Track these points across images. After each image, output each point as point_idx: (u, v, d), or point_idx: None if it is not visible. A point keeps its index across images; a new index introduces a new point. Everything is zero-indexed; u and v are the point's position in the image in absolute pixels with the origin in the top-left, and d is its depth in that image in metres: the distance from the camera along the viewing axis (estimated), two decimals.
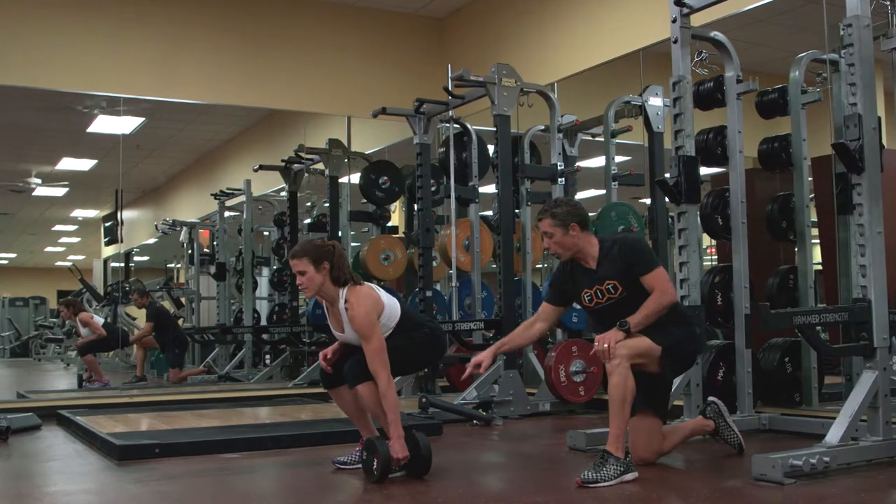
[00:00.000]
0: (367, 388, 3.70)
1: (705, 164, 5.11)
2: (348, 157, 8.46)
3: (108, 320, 9.08)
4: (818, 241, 5.97)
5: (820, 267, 6.01)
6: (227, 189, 9.44)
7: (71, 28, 7.53)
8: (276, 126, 9.27)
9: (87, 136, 8.66)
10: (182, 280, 10.36)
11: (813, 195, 5.50)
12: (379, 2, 8.64)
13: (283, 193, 8.99)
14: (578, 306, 4.11)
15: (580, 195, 7.34)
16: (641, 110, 6.71)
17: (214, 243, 9.72)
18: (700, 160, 4.88)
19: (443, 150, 7.35)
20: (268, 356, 9.39)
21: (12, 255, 12.49)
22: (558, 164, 6.65)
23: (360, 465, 3.83)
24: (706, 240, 5.98)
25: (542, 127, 7.13)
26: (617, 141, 7.03)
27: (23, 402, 6.77)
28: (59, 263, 12.57)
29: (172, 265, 10.76)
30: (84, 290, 9.94)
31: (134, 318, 10.03)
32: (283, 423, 5.60)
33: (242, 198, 9.38)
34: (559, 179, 6.63)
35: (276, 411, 6.26)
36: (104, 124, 8.36)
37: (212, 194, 9.46)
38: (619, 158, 7.05)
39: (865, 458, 3.71)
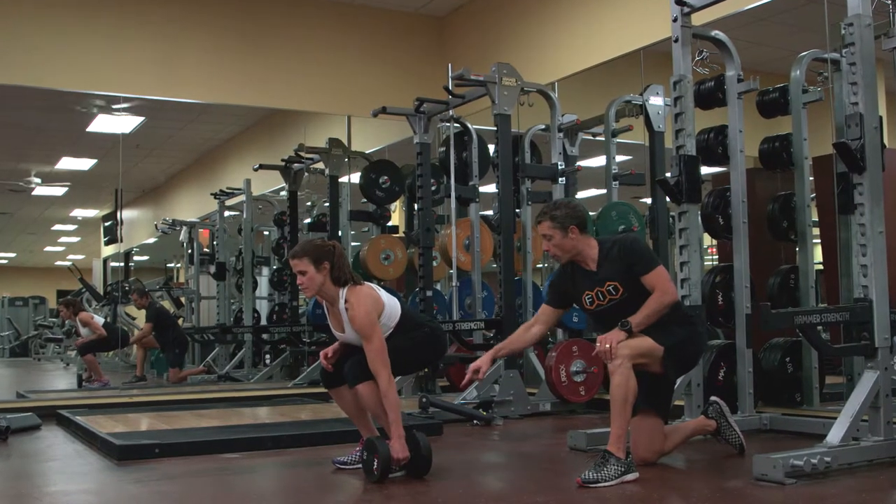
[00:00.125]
0: (368, 388, 3.69)
1: (706, 163, 5.10)
2: (348, 157, 8.45)
3: (108, 320, 9.07)
4: (819, 240, 5.96)
5: (821, 267, 6.00)
6: (227, 188, 9.43)
7: (70, 27, 7.52)
8: (276, 125, 9.26)
9: (87, 135, 8.66)
10: (182, 280, 10.35)
11: (814, 195, 5.49)
12: (379, 1, 8.63)
13: (283, 193, 8.98)
14: (578, 307, 4.09)
15: (581, 195, 7.33)
16: (642, 109, 6.71)
17: (214, 243, 9.71)
18: (701, 159, 4.87)
19: (443, 149, 7.35)
20: (268, 356, 9.38)
21: (12, 255, 12.48)
22: (559, 163, 6.65)
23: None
24: (707, 239, 5.97)
25: (543, 126, 7.13)
26: (618, 140, 7.02)
27: (22, 401, 6.76)
28: (58, 263, 12.56)
29: (172, 265, 10.75)
30: (84, 289, 9.93)
31: (134, 318, 10.02)
32: (282, 422, 5.60)
33: (242, 197, 9.37)
34: (560, 179, 6.63)
35: (276, 411, 6.26)
36: (104, 124, 8.36)
37: (212, 194, 9.45)
38: (619, 158, 7.04)
39: (867, 458, 3.70)
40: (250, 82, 8.17)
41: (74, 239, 12.19)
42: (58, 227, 11.73)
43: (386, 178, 8.13)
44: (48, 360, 11.85)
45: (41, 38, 7.31)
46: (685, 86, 4.76)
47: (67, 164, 9.45)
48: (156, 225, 9.76)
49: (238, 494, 3.61)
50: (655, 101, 6.67)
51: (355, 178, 8.35)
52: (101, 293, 9.94)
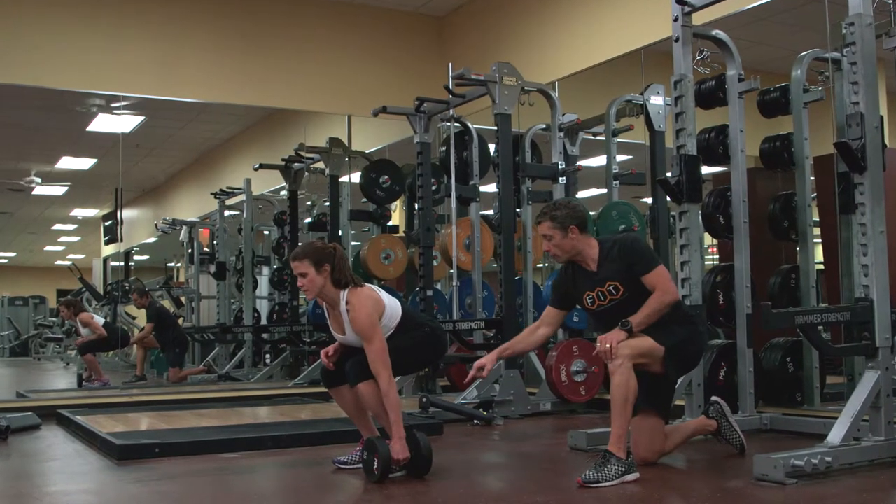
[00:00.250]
0: (369, 387, 3.70)
1: (707, 162, 5.10)
2: (349, 156, 8.44)
3: (108, 319, 9.06)
4: (820, 240, 5.96)
5: (822, 266, 6.00)
6: (228, 188, 9.43)
7: (70, 27, 7.51)
8: (276, 125, 9.25)
9: (87, 134, 8.65)
10: (182, 279, 10.35)
11: (815, 194, 5.48)
12: (379, 0, 8.62)
13: (284, 192, 8.97)
14: (580, 307, 4.09)
15: (581, 194, 7.33)
16: (643, 109, 6.70)
17: (214, 242, 9.71)
18: (702, 159, 4.87)
19: (443, 148, 7.34)
20: (268, 355, 9.38)
21: (12, 255, 12.48)
22: (559, 162, 6.64)
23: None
24: (708, 239, 5.97)
25: (544, 126, 7.12)
26: (618, 140, 7.02)
27: (22, 401, 6.76)
28: (58, 262, 12.56)
29: (172, 264, 10.75)
30: (84, 289, 9.93)
31: (134, 318, 10.02)
32: (282, 422, 5.60)
33: (242, 197, 9.37)
34: (560, 178, 6.63)
35: (276, 411, 6.25)
36: (104, 123, 8.35)
37: (212, 193, 9.45)
38: (620, 157, 7.04)
39: (867, 458, 3.69)
40: (250, 82, 8.17)
41: (74, 238, 12.19)
42: (58, 226, 11.73)
43: (386, 177, 8.12)
44: (48, 360, 11.85)
45: (41, 37, 7.30)
46: (686, 85, 4.75)
47: (67, 163, 9.44)
48: (156, 224, 9.76)
49: (238, 494, 3.61)
50: (656, 100, 6.66)
51: (356, 177, 8.35)
52: (102, 293, 9.94)
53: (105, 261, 10.24)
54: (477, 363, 3.89)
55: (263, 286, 9.97)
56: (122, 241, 9.06)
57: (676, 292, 3.83)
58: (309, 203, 9.50)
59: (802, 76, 5.23)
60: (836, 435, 3.67)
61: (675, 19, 4.74)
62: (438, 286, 8.00)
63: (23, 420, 5.49)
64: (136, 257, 10.34)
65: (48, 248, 12.76)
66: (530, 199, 6.96)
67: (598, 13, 7.37)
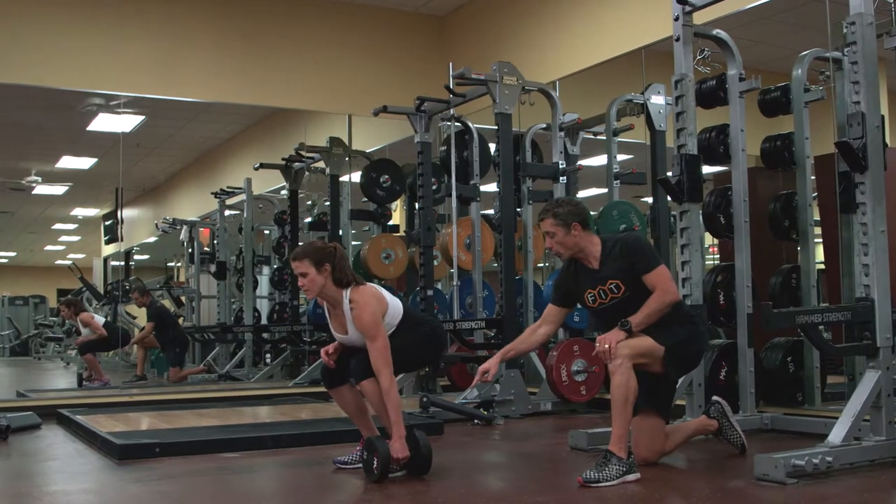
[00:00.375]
0: (373, 385, 3.71)
1: (708, 162, 5.09)
2: (349, 156, 8.44)
3: (109, 319, 9.06)
4: (821, 240, 5.95)
5: (823, 266, 6.00)
6: (228, 187, 9.43)
7: (71, 26, 7.51)
8: (276, 124, 9.25)
9: (87, 134, 8.65)
10: (182, 279, 10.35)
11: (816, 194, 5.47)
12: (380, 0, 8.62)
13: (284, 192, 8.97)
14: (581, 306, 4.09)
15: (582, 194, 7.32)
16: (643, 108, 6.69)
17: (215, 242, 9.71)
18: (702, 158, 4.86)
19: (444, 148, 7.34)
20: (268, 355, 9.37)
21: (12, 254, 12.47)
22: (560, 162, 6.64)
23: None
24: (708, 238, 5.96)
25: (544, 125, 7.12)
26: (619, 139, 7.01)
27: (23, 400, 6.76)
28: (59, 262, 12.56)
29: (173, 264, 10.75)
30: (84, 288, 9.94)
31: (134, 317, 10.02)
32: (283, 422, 5.60)
33: (243, 196, 9.36)
34: (561, 178, 6.62)
35: (277, 410, 6.25)
36: (104, 122, 8.34)
37: (212, 193, 9.44)
38: (620, 157, 7.03)
39: (868, 458, 3.69)
40: (251, 81, 8.16)
41: (75, 238, 12.19)
42: (58, 226, 11.73)
43: (387, 177, 8.12)
44: (48, 360, 11.85)
45: (42, 37, 7.30)
46: (687, 85, 4.75)
47: (68, 163, 9.45)
48: (156, 224, 9.76)
49: (238, 494, 3.61)
50: (657, 99, 6.66)
51: (356, 177, 8.34)
52: (102, 292, 9.94)
53: (105, 260, 10.24)
54: (482, 367, 3.90)
55: (264, 286, 9.97)
56: (122, 240, 9.06)
57: (677, 292, 3.83)
58: (309, 203, 9.50)
59: (803, 75, 5.23)
60: (836, 435, 3.66)
61: (676, 19, 4.74)
62: (439, 286, 8.00)
63: (23, 419, 5.48)
64: (136, 257, 10.34)
65: (48, 247, 12.76)
66: (531, 199, 6.96)
67: (598, 13, 7.37)
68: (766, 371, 5.17)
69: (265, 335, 9.14)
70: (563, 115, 6.81)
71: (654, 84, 6.66)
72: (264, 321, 9.60)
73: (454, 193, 6.93)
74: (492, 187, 6.96)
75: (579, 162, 7.10)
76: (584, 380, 6.01)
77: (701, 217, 4.91)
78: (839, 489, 3.38)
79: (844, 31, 3.95)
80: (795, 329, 4.61)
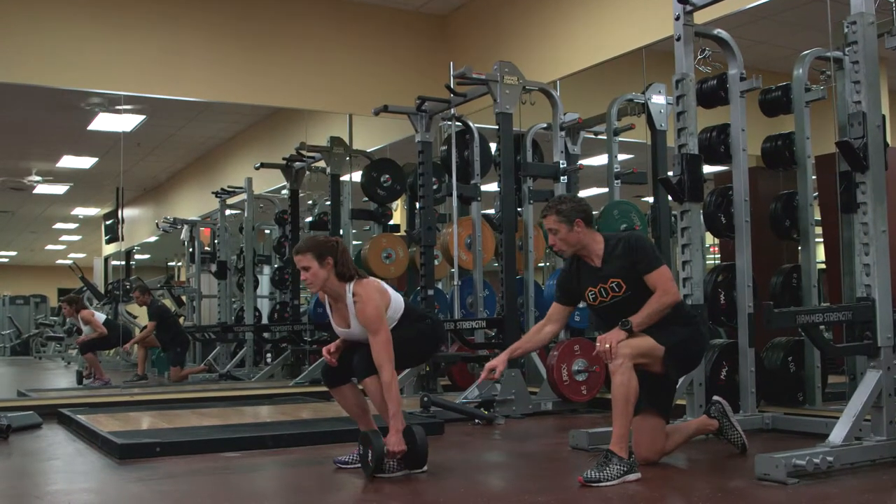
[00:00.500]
0: (375, 382, 3.72)
1: (708, 162, 5.09)
2: (350, 155, 8.44)
3: (110, 317, 9.06)
4: (822, 239, 5.95)
5: (823, 266, 5.99)
6: (229, 187, 9.43)
7: (72, 26, 7.51)
8: (277, 124, 9.25)
9: (88, 133, 8.65)
10: (183, 278, 10.35)
11: (816, 193, 5.47)
12: None
13: (285, 191, 8.97)
14: (583, 304, 4.09)
15: (582, 193, 7.31)
16: (644, 108, 6.69)
17: (215, 241, 9.71)
18: (703, 158, 4.86)
19: (445, 147, 7.34)
20: (269, 355, 9.38)
21: (13, 254, 12.49)
22: (561, 162, 6.64)
23: (360, 464, 3.83)
24: (709, 238, 5.96)
25: (545, 125, 7.12)
26: (619, 139, 7.01)
27: (23, 400, 6.76)
28: (59, 261, 12.57)
29: (173, 263, 10.76)
30: (85, 288, 9.94)
31: (135, 317, 10.02)
32: (283, 421, 5.60)
33: (243, 196, 9.37)
34: (561, 177, 6.62)
35: (277, 410, 6.25)
36: (105, 122, 8.35)
37: (213, 192, 9.45)
38: (621, 156, 7.03)
39: (869, 457, 3.69)
40: (252, 81, 8.16)
41: (75, 237, 12.20)
42: (59, 225, 11.74)
43: (387, 176, 8.12)
44: (49, 359, 11.86)
45: (42, 36, 7.30)
46: (687, 84, 4.75)
47: (68, 162, 9.45)
48: (157, 223, 9.76)
49: (239, 493, 3.61)
50: (657, 99, 6.65)
51: (357, 176, 8.34)
52: (103, 292, 9.95)
53: (106, 260, 10.25)
54: (488, 365, 3.89)
55: (264, 285, 9.98)
56: (123, 240, 9.06)
57: (678, 293, 3.82)
58: (310, 202, 9.50)
59: (804, 75, 5.22)
60: (837, 434, 3.66)
61: (677, 18, 4.74)
62: (439, 285, 8.00)
63: (24, 419, 5.48)
64: (137, 256, 10.34)
65: (49, 247, 12.78)
66: (531, 199, 6.96)
67: (599, 12, 7.37)
68: (766, 371, 5.17)
69: (266, 335, 9.14)
70: (564, 114, 6.81)
71: (654, 84, 6.66)
72: (265, 321, 9.60)
73: (455, 193, 6.94)
74: (492, 187, 6.96)
75: (580, 161, 7.10)
76: (585, 379, 6.00)
77: (702, 217, 4.91)
78: (840, 489, 3.37)
79: (845, 30, 3.94)
80: (796, 329, 4.61)
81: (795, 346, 5.25)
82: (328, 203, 8.46)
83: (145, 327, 9.13)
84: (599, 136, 7.31)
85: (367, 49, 8.66)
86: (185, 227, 9.71)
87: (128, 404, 6.57)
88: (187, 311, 10.02)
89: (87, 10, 7.55)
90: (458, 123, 7.23)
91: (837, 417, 3.76)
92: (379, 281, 3.90)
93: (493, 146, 7.08)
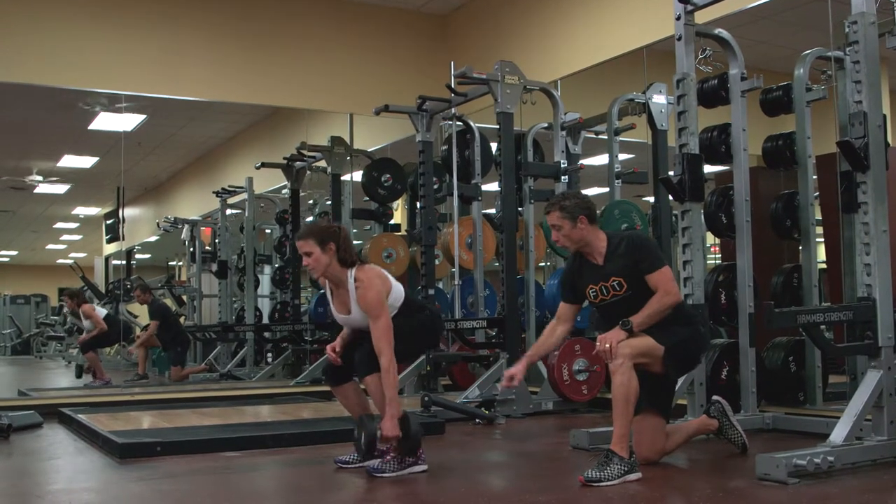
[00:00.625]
0: (376, 380, 3.73)
1: (709, 161, 5.09)
2: (350, 155, 8.44)
3: (111, 313, 9.03)
4: (822, 239, 5.95)
5: (824, 265, 5.99)
6: (229, 187, 9.43)
7: (72, 25, 7.51)
8: (278, 123, 9.25)
9: (89, 133, 8.65)
10: (184, 278, 10.36)
11: (817, 193, 5.47)
12: None
13: (285, 191, 8.97)
14: (585, 303, 4.09)
15: (583, 193, 7.31)
16: (645, 108, 6.69)
17: (216, 241, 9.71)
18: (704, 158, 4.86)
19: (445, 147, 7.34)
20: (269, 354, 9.38)
21: (13, 253, 12.50)
22: (561, 161, 6.64)
23: (362, 465, 3.84)
24: (710, 238, 5.96)
25: (546, 124, 7.12)
26: (620, 139, 7.00)
27: (24, 399, 6.76)
28: (60, 261, 12.59)
29: (174, 263, 10.76)
30: (86, 287, 9.94)
31: (136, 316, 10.02)
32: (284, 421, 5.60)
33: (244, 195, 9.37)
34: (562, 177, 6.62)
35: (278, 410, 6.25)
36: (106, 122, 8.35)
37: (213, 192, 9.45)
38: (622, 156, 7.03)
39: (870, 457, 3.69)
40: (252, 80, 8.16)
41: (76, 237, 12.22)
42: (60, 224, 11.75)
43: (388, 176, 8.12)
44: (50, 358, 11.86)
45: (43, 36, 7.30)
46: (688, 84, 4.75)
47: (69, 161, 9.46)
48: (158, 223, 9.77)
49: (239, 493, 3.61)
50: (658, 99, 6.65)
51: (357, 176, 8.35)
52: (103, 291, 9.95)
53: (107, 259, 10.26)
54: (507, 373, 3.88)
55: (265, 285, 9.98)
56: (123, 239, 9.06)
57: (679, 294, 3.82)
58: (311, 202, 9.50)
59: (805, 75, 5.22)
60: (838, 434, 3.66)
61: (678, 18, 4.74)
62: (440, 285, 8.00)
63: (24, 418, 5.48)
64: (137, 256, 10.35)
65: (50, 246, 12.79)
66: (532, 198, 6.96)
67: (600, 12, 7.36)
68: (767, 370, 5.16)
69: (266, 334, 9.15)
70: (565, 114, 6.81)
71: (655, 83, 6.65)
72: (266, 320, 9.60)
73: (456, 192, 6.93)
74: (493, 186, 6.96)
75: (581, 161, 7.10)
76: (586, 379, 6.00)
77: (702, 216, 4.91)
78: (841, 489, 3.37)
79: (846, 30, 3.94)
80: (797, 328, 4.60)
81: (796, 345, 5.25)
82: (329, 203, 8.46)
83: (146, 326, 9.14)
84: (600, 136, 7.31)
85: (368, 49, 8.66)
86: (186, 226, 9.71)
87: (128, 404, 6.57)
88: (188, 311, 10.03)
89: (87, 10, 7.55)
90: (458, 123, 7.23)
91: (838, 417, 3.76)
92: (380, 268, 3.92)
93: (493, 146, 7.08)
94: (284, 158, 8.70)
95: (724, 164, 5.29)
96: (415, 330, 3.91)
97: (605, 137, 7.07)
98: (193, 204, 9.96)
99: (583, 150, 7.34)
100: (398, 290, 3.88)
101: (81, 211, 11.08)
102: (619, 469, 3.48)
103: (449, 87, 6.52)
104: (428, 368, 6.83)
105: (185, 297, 10.13)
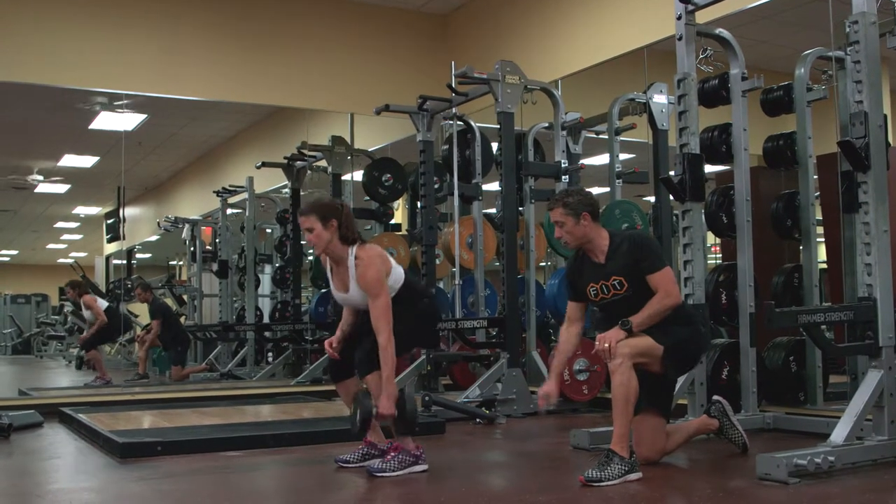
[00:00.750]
0: (377, 379, 3.72)
1: (710, 161, 5.09)
2: (351, 155, 8.44)
3: (113, 306, 9.00)
4: (823, 239, 5.95)
5: (825, 265, 5.99)
6: (230, 186, 9.43)
7: (73, 25, 7.51)
8: (278, 123, 9.25)
9: (89, 132, 8.65)
10: (184, 277, 10.36)
11: (818, 193, 5.47)
12: None
13: (286, 191, 8.97)
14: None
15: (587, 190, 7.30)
16: (646, 107, 6.69)
17: (217, 240, 9.71)
18: (705, 158, 4.86)
19: (446, 147, 7.33)
20: (270, 354, 9.38)
21: (14, 252, 12.51)
22: (562, 161, 6.63)
23: (362, 464, 3.84)
24: (710, 238, 5.96)
25: (546, 124, 7.11)
26: (621, 138, 7.00)
27: (25, 399, 6.76)
28: (61, 260, 12.60)
29: (174, 262, 10.76)
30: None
31: (136, 315, 10.02)
32: (285, 421, 5.60)
33: (245, 195, 9.37)
34: (563, 177, 6.62)
35: (278, 409, 6.25)
36: (106, 121, 8.35)
37: (214, 191, 9.45)
38: (623, 156, 7.02)
39: (871, 457, 3.69)
40: (253, 80, 8.16)
41: (77, 236, 12.22)
42: (60, 224, 11.75)
43: (389, 175, 8.12)
44: (50, 358, 11.87)
45: (44, 35, 7.30)
46: (689, 84, 4.75)
47: (70, 161, 9.46)
48: (158, 222, 9.77)
49: (240, 492, 3.61)
50: (659, 98, 6.64)
51: (358, 175, 8.34)
52: (104, 290, 9.95)
53: (107, 259, 10.26)
54: (543, 392, 3.88)
55: (266, 284, 9.98)
56: (124, 239, 9.06)
57: (679, 296, 3.82)
58: None
59: (806, 75, 5.22)
60: (839, 434, 3.66)
61: (679, 18, 4.74)
62: (441, 284, 8.00)
63: (25, 418, 5.49)
64: (138, 255, 10.35)
65: (50, 245, 12.80)
66: (533, 198, 6.95)
67: (601, 12, 7.36)
68: (768, 370, 5.16)
69: (267, 334, 9.14)
70: (566, 114, 6.81)
71: (656, 83, 6.65)
72: (266, 320, 9.60)
73: (456, 192, 6.93)
74: (494, 186, 6.95)
75: (581, 161, 7.10)
76: (586, 379, 6.01)
77: (703, 216, 4.91)
78: (841, 489, 3.37)
79: (847, 30, 3.94)
80: (798, 328, 4.60)
81: (797, 345, 5.25)
82: None
83: (146, 326, 9.14)
84: (601, 136, 7.30)
85: (369, 48, 8.66)
86: (187, 226, 9.71)
87: (129, 403, 6.57)
88: (188, 310, 10.03)
89: (88, 10, 7.55)
90: (459, 123, 7.23)
91: (839, 417, 3.76)
92: (381, 248, 3.90)
93: (494, 145, 7.08)
94: (285, 158, 8.70)
95: (725, 164, 5.29)
96: (417, 320, 3.91)
97: (606, 137, 7.06)
98: (194, 203, 9.96)
99: (583, 149, 7.34)
100: (398, 272, 3.85)
101: (82, 210, 11.08)
102: (620, 469, 3.48)
103: (450, 86, 6.52)
104: (428, 368, 6.84)
105: (185, 297, 10.13)
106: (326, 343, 3.94)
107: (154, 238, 10.14)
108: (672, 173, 4.87)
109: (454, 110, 6.97)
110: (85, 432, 5.05)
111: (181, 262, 10.55)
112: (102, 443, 4.59)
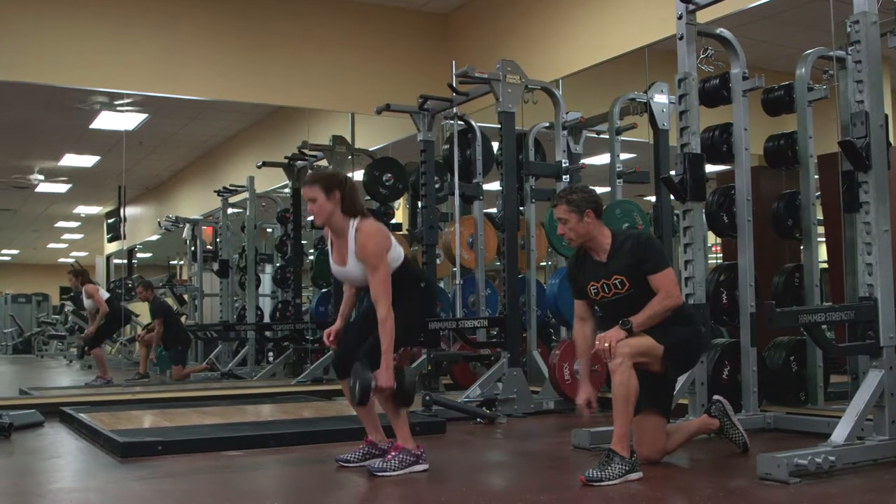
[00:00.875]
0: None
1: (711, 161, 5.09)
2: (352, 154, 8.44)
3: (112, 297, 9.00)
4: (824, 239, 5.95)
5: (826, 265, 5.99)
6: (231, 186, 9.42)
7: (74, 24, 7.51)
8: (279, 122, 9.25)
9: (90, 132, 8.66)
10: (185, 277, 10.35)
11: (819, 193, 5.47)
12: None
13: (287, 190, 8.97)
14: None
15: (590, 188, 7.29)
16: (647, 107, 6.68)
17: (217, 240, 9.70)
18: (706, 157, 4.86)
19: (447, 146, 7.33)
20: (271, 353, 9.38)
21: (15, 252, 12.51)
22: (563, 161, 6.63)
23: (363, 464, 3.84)
24: (711, 237, 5.96)
25: (547, 124, 7.11)
26: (622, 138, 6.99)
27: (25, 398, 6.77)
28: (61, 260, 12.60)
29: (175, 262, 10.76)
30: None
31: (137, 315, 10.02)
32: (285, 420, 5.59)
33: (246, 194, 9.36)
34: (564, 176, 6.62)
35: (279, 409, 6.25)
36: (107, 121, 8.36)
37: (215, 191, 9.44)
38: (623, 156, 7.02)
39: (871, 457, 3.69)
40: (254, 79, 8.16)
41: (77, 236, 12.22)
42: (61, 223, 11.76)
43: (389, 175, 8.11)
44: (51, 357, 11.88)
45: (44, 35, 7.30)
46: (690, 83, 4.75)
47: (70, 160, 9.46)
48: (159, 222, 9.76)
49: (241, 492, 3.61)
50: (660, 98, 6.64)
51: (359, 175, 8.34)
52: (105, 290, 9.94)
53: (108, 258, 10.26)
54: (580, 401, 3.87)
55: (266, 284, 9.97)
56: (125, 238, 9.06)
57: (680, 297, 3.81)
58: None
59: (807, 74, 5.22)
60: (839, 434, 3.66)
61: (680, 17, 4.74)
62: (441, 284, 8.00)
63: (26, 417, 5.49)
64: (139, 255, 10.35)
65: (51, 245, 12.80)
66: (534, 198, 6.95)
67: (602, 11, 7.36)
68: (769, 370, 5.16)
69: (268, 333, 9.14)
70: (567, 113, 6.81)
71: (657, 83, 6.64)
72: (267, 319, 9.60)
73: (457, 192, 6.93)
74: (495, 186, 6.95)
75: (582, 160, 7.09)
76: None
77: (704, 216, 4.91)
78: (842, 489, 3.37)
79: (848, 29, 3.94)
80: (798, 328, 4.60)
81: (797, 345, 5.25)
82: None
83: (147, 326, 9.14)
84: (602, 136, 7.30)
85: (369, 48, 8.66)
86: (187, 225, 9.71)
87: (129, 403, 6.57)
88: (189, 310, 10.02)
89: (88, 9, 7.55)
90: (460, 122, 7.23)
91: (839, 417, 3.76)
92: (383, 225, 3.89)
93: (495, 145, 7.07)
94: (286, 157, 8.69)
95: (726, 164, 5.29)
96: (414, 307, 3.89)
97: (607, 137, 7.06)
98: (195, 203, 9.96)
99: (584, 149, 7.33)
100: (397, 250, 3.83)
101: (83, 210, 11.08)
102: (621, 468, 3.48)
103: (450, 86, 6.52)
104: (429, 368, 6.84)
105: (186, 296, 10.12)
106: (325, 333, 3.94)
107: (155, 237, 10.14)
108: (673, 173, 4.87)
109: (455, 110, 6.97)
110: (86, 432, 5.05)
111: (182, 262, 10.55)
112: (103, 442, 4.59)
